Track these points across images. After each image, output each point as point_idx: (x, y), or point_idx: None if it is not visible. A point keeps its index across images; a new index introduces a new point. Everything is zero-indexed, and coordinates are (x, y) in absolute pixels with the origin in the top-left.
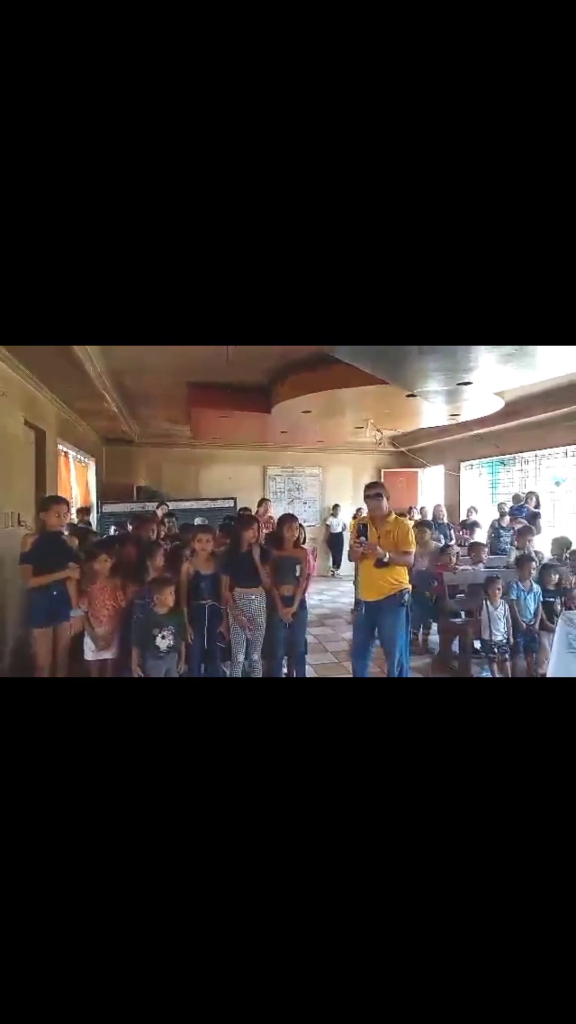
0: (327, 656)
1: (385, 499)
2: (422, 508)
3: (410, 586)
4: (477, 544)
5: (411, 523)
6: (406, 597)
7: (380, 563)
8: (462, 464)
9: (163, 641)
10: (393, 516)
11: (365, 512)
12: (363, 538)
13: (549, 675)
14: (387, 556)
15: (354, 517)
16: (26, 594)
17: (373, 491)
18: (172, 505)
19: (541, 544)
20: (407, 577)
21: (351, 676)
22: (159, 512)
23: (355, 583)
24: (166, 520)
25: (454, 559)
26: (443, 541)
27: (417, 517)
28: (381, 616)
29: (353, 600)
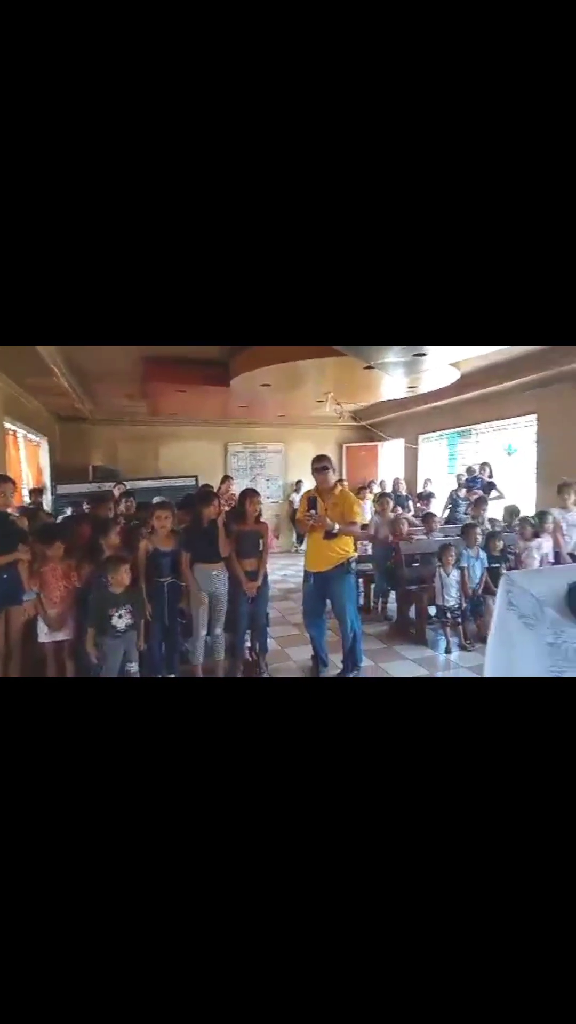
0: (290, 628)
1: (331, 472)
2: (382, 481)
3: (356, 554)
4: (430, 515)
5: (372, 495)
6: (352, 565)
7: (329, 534)
8: (421, 437)
9: (120, 620)
10: (339, 488)
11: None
12: (313, 511)
13: (490, 633)
14: (336, 527)
15: (299, 490)
16: None
17: (319, 464)
18: (131, 484)
19: (495, 512)
20: (352, 547)
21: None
22: (116, 492)
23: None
24: (124, 500)
25: (404, 528)
26: (403, 512)
27: (377, 490)
28: (330, 585)
29: (303, 572)
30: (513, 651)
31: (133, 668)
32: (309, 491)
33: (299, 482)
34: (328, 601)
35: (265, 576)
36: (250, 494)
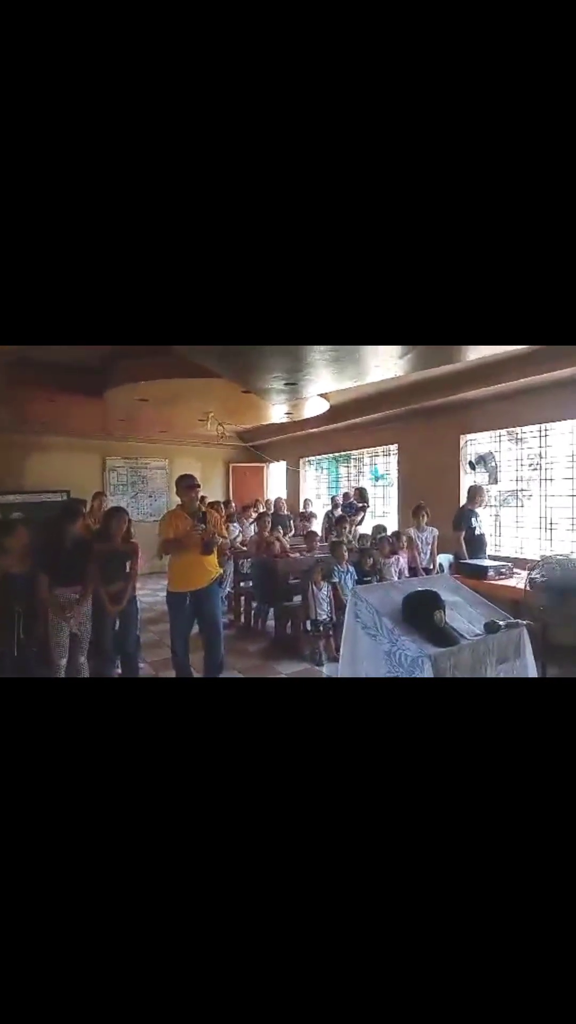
0: (165, 651)
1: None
2: (263, 501)
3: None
4: (312, 533)
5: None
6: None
7: (207, 549)
8: (303, 460)
9: None
10: (205, 507)
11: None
12: (202, 525)
13: (342, 642)
14: (219, 541)
15: (179, 508)
16: None
17: (189, 483)
18: None
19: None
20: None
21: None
22: None
23: (170, 578)
24: None
25: (277, 547)
26: (281, 532)
27: (262, 510)
28: (209, 602)
29: (166, 595)
30: (358, 658)
31: None
32: (174, 510)
33: (203, 498)
34: (197, 619)
35: (133, 599)
36: (115, 512)
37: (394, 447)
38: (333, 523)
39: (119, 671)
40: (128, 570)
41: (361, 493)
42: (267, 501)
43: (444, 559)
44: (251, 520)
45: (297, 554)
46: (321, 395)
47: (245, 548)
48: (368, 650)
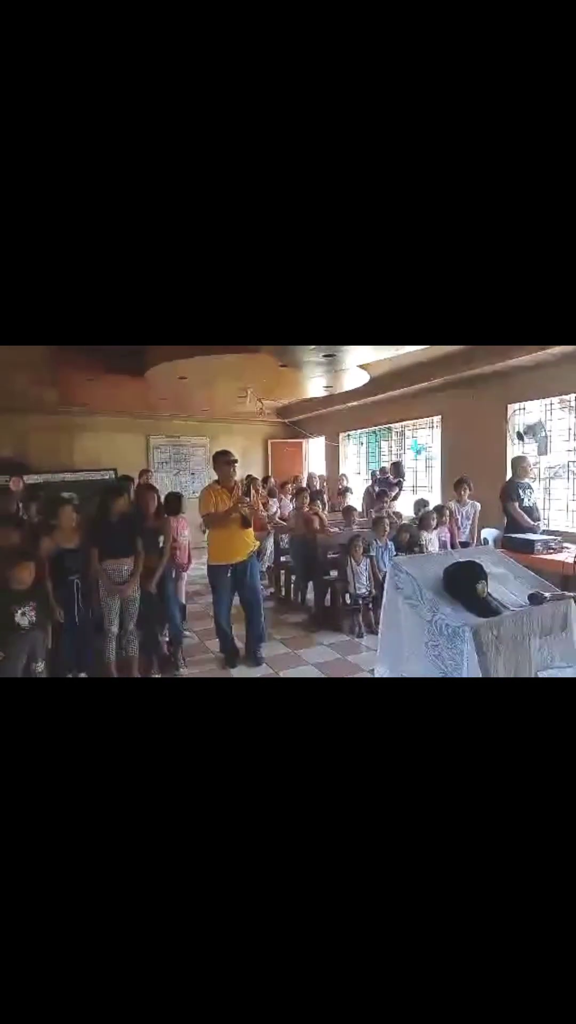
0: (211, 622)
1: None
2: (296, 477)
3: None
4: (350, 508)
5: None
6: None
7: (245, 523)
8: (342, 435)
9: (23, 618)
10: (247, 480)
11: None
12: (248, 498)
13: (381, 612)
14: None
15: (216, 483)
16: None
17: (228, 458)
18: (43, 478)
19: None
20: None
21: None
22: (12, 485)
23: (210, 551)
24: (35, 494)
25: (316, 523)
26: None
27: (301, 485)
28: (249, 575)
29: (207, 568)
30: (400, 628)
31: (39, 667)
32: (211, 485)
33: (248, 476)
34: (238, 589)
35: (169, 570)
36: (146, 490)
37: (436, 419)
38: (373, 498)
39: (166, 639)
40: (161, 545)
41: (396, 468)
42: (296, 477)
43: (490, 533)
44: (290, 496)
45: (335, 529)
46: (361, 366)
47: (284, 523)
48: (409, 620)
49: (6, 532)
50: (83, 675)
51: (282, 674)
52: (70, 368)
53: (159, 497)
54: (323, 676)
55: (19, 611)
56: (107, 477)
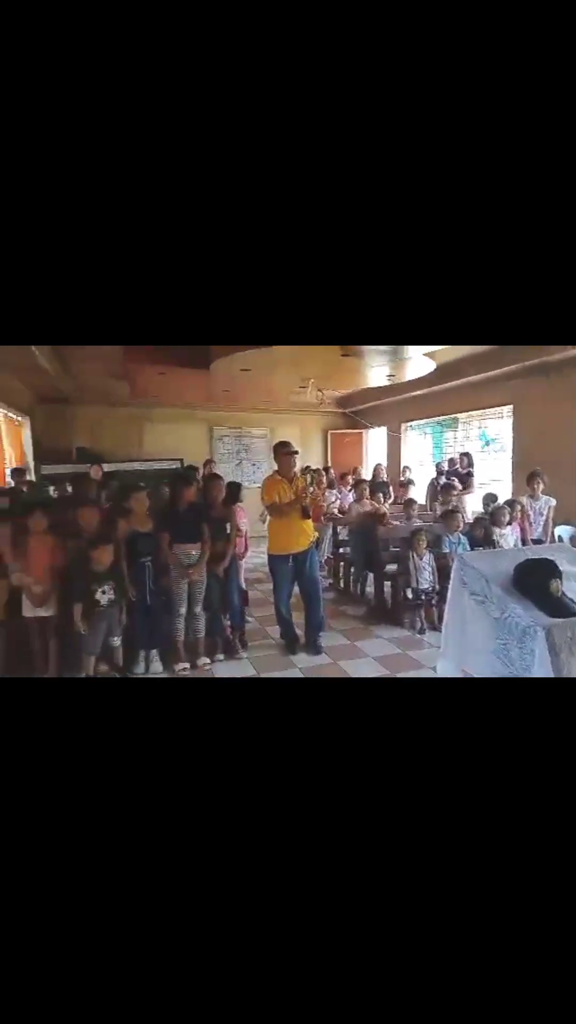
0: (271, 608)
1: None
2: (356, 469)
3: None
4: (411, 501)
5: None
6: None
7: (306, 514)
8: (404, 425)
9: (103, 596)
10: (300, 472)
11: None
12: (311, 488)
13: (446, 609)
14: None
15: (276, 473)
16: None
17: (289, 450)
18: (115, 466)
19: (475, 500)
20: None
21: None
22: (92, 473)
23: (271, 541)
24: (106, 481)
25: (378, 510)
26: (383, 499)
27: (362, 476)
28: (309, 564)
29: (268, 557)
30: (465, 625)
31: (116, 642)
32: (272, 476)
33: (307, 467)
34: (298, 579)
35: (233, 557)
36: (213, 479)
37: (507, 408)
38: (438, 491)
39: (228, 623)
40: (228, 532)
41: (466, 459)
42: (356, 469)
43: (565, 530)
44: (349, 487)
45: (396, 522)
46: (427, 354)
47: (343, 515)
48: (476, 617)
49: (89, 515)
50: (154, 652)
51: (341, 664)
52: (142, 363)
53: (225, 486)
54: (383, 669)
55: (99, 590)
56: (176, 467)
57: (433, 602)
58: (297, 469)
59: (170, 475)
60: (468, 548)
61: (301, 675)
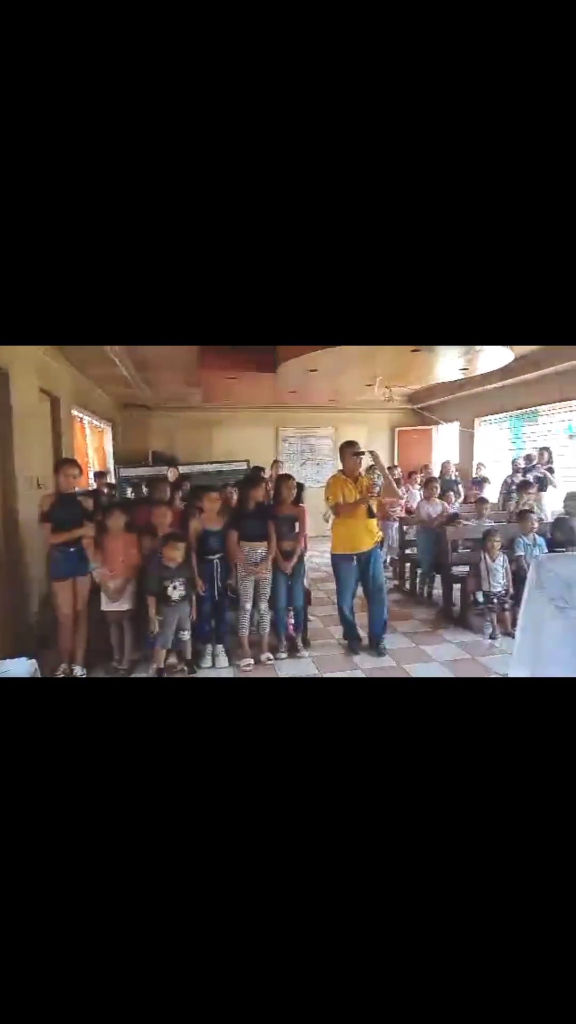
0: (333, 609)
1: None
2: (425, 466)
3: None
4: (482, 500)
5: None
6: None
7: (370, 513)
8: (478, 420)
9: (175, 592)
10: (364, 472)
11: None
12: (379, 485)
13: (520, 613)
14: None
15: (341, 473)
16: (48, 551)
17: (356, 450)
18: (187, 468)
19: (556, 499)
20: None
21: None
22: (169, 475)
23: (335, 540)
24: (180, 483)
25: (448, 508)
26: (454, 498)
27: (431, 475)
28: (373, 563)
29: (331, 556)
30: (541, 631)
31: (185, 636)
32: (337, 475)
33: (372, 467)
34: (362, 579)
35: (300, 556)
36: (284, 479)
37: None
38: (514, 489)
39: (291, 621)
40: (296, 531)
41: (545, 454)
42: (425, 467)
43: None
44: (418, 485)
45: (468, 521)
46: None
47: (411, 514)
48: (554, 622)
49: (163, 514)
50: (220, 647)
51: (406, 667)
52: (214, 369)
53: (297, 485)
54: (451, 675)
55: (171, 585)
56: (243, 468)
57: (506, 607)
58: (363, 468)
59: (240, 477)
60: (544, 550)
61: (362, 675)
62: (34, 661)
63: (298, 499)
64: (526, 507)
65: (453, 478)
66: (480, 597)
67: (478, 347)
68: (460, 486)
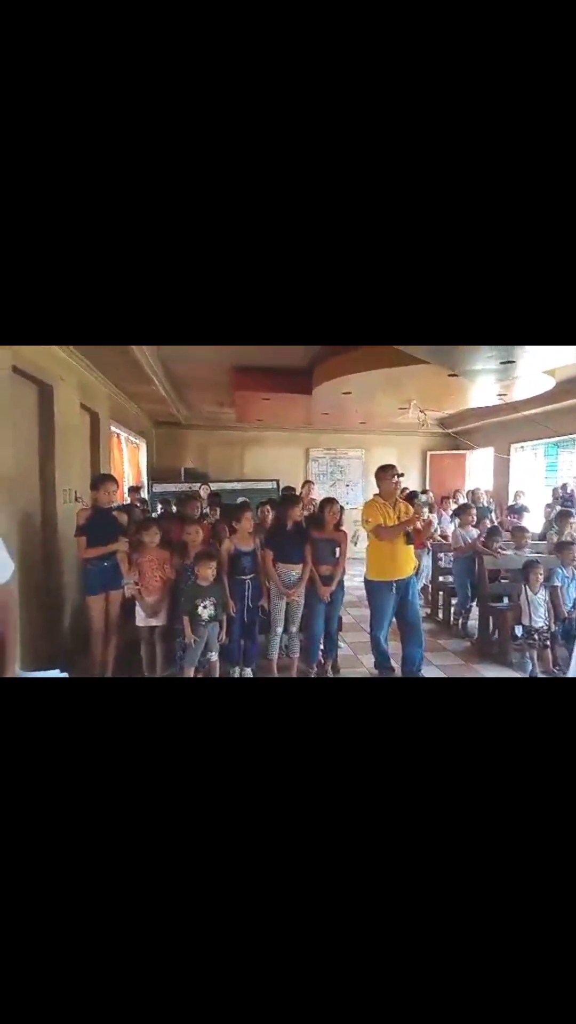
0: (362, 635)
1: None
2: (457, 492)
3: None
4: (520, 529)
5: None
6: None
7: (408, 539)
8: (513, 446)
9: (205, 611)
10: (402, 496)
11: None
12: (426, 510)
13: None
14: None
15: (378, 496)
16: (81, 564)
17: (393, 472)
18: (217, 486)
19: None
20: None
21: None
22: (201, 492)
23: (372, 566)
24: (211, 500)
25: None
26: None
27: (463, 501)
28: (410, 591)
29: (365, 583)
30: None
31: (213, 656)
32: (376, 499)
33: (414, 492)
34: (399, 608)
35: (340, 582)
36: (329, 503)
37: None
38: (554, 518)
39: (322, 647)
40: (337, 555)
41: None
42: (457, 492)
43: None
44: (450, 511)
45: (507, 551)
46: (547, 371)
47: (444, 541)
48: None
49: (195, 532)
50: (248, 668)
51: None
52: (249, 389)
53: (341, 509)
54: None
55: (201, 604)
56: (271, 487)
57: (547, 643)
58: (399, 493)
59: (265, 497)
60: None
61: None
62: (66, 674)
63: (338, 523)
64: (568, 538)
65: (486, 504)
66: (520, 631)
67: (517, 373)
68: (493, 514)
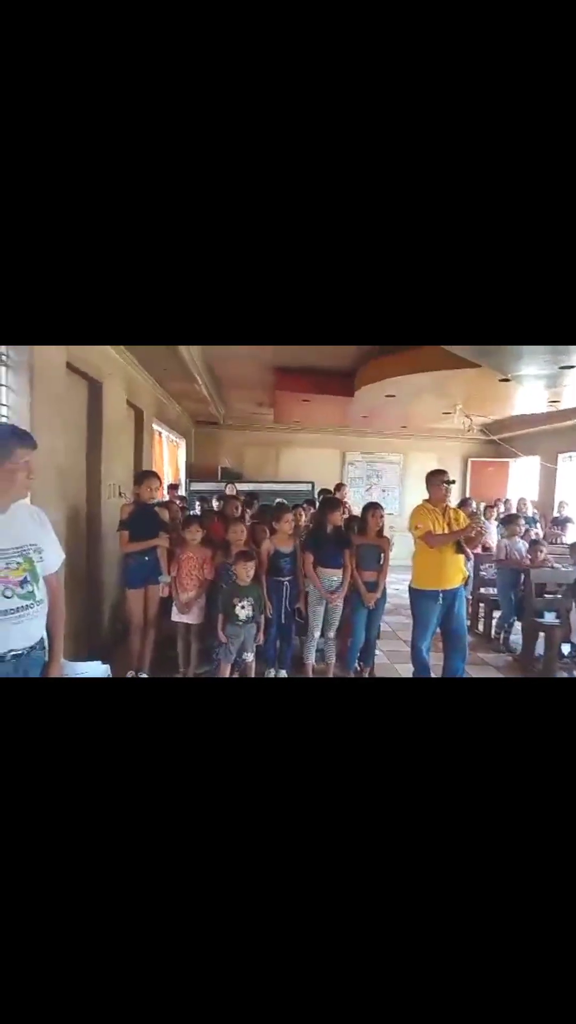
0: (399, 644)
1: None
2: (501, 500)
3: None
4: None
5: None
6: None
7: (459, 548)
8: (561, 455)
9: (242, 611)
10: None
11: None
12: (482, 518)
13: None
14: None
15: (427, 502)
16: (122, 558)
17: (444, 478)
18: (253, 486)
19: None
20: None
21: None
22: (227, 490)
23: (419, 575)
24: (253, 501)
25: (540, 555)
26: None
27: (512, 511)
28: (458, 602)
29: (410, 592)
30: None
31: (248, 657)
32: (425, 505)
33: (467, 499)
34: (444, 618)
35: (384, 589)
36: (373, 508)
37: None
38: None
39: (357, 654)
40: (381, 562)
41: None
42: (500, 500)
43: None
44: (494, 520)
45: (556, 565)
46: None
47: (487, 551)
48: None
49: (240, 530)
50: (283, 672)
51: None
52: (289, 390)
53: (383, 515)
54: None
55: (239, 604)
56: (307, 488)
57: None
58: (450, 500)
59: (300, 499)
60: None
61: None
62: (107, 666)
63: (380, 529)
64: None
65: (531, 515)
66: (567, 649)
67: (569, 379)
68: (539, 524)
